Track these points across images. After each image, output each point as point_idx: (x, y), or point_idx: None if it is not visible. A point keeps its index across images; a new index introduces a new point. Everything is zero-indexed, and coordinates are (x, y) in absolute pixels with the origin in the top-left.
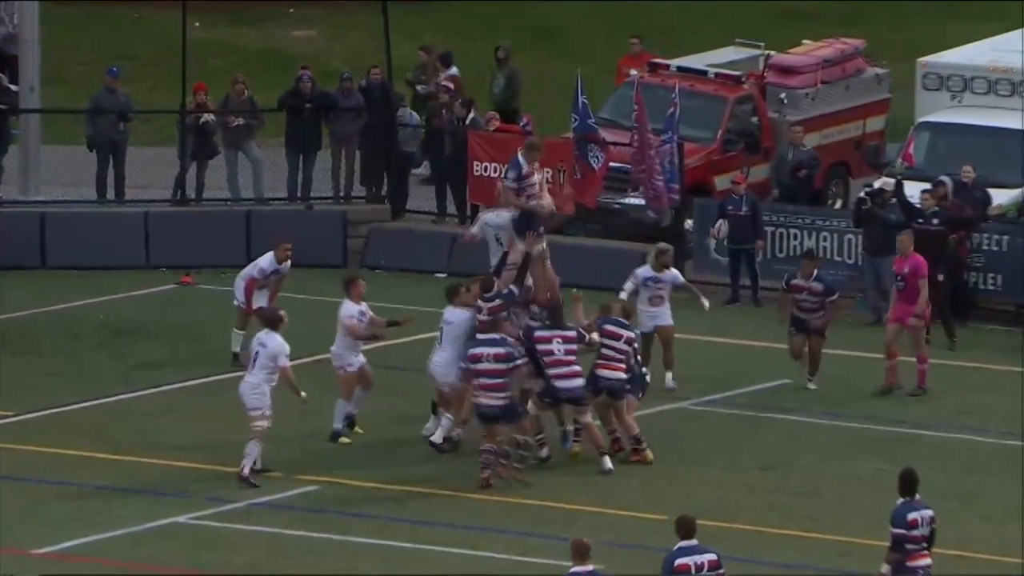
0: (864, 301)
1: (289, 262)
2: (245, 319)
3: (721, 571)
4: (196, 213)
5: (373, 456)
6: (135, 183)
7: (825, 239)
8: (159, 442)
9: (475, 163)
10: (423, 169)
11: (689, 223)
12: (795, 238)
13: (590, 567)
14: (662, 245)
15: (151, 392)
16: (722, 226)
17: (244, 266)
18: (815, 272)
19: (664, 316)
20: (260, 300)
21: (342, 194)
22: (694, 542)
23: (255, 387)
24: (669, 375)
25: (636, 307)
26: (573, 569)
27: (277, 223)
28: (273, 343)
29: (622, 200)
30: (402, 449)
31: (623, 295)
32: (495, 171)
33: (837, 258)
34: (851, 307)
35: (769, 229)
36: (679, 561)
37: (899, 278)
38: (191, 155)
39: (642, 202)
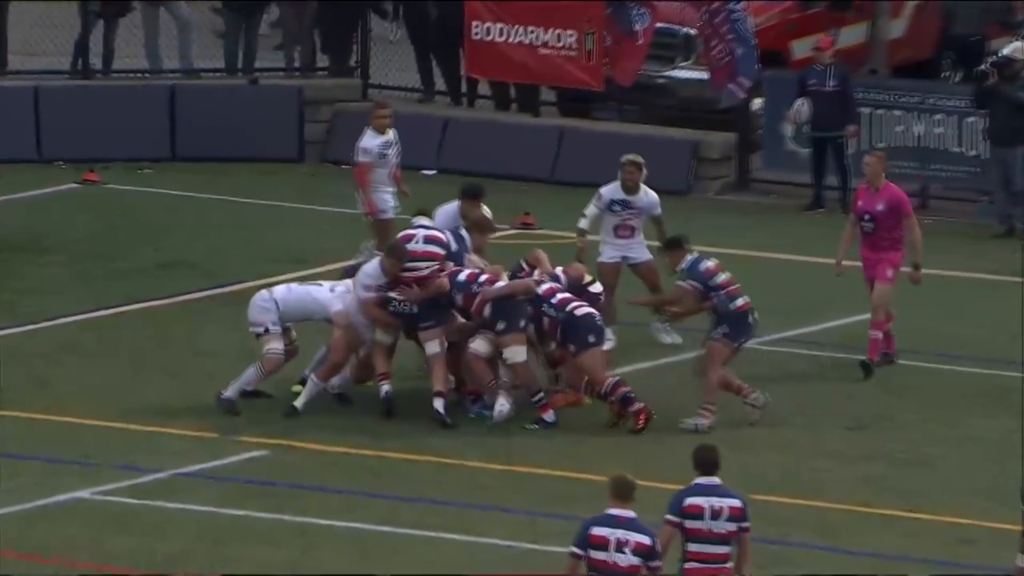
0: (989, 206)
1: (393, 131)
2: (382, 228)
3: (745, 524)
4: (103, 89)
5: (340, 414)
6: (21, 49)
7: (938, 124)
8: (56, 393)
9: (474, 24)
10: (395, 26)
11: (758, 103)
12: (899, 123)
13: (631, 513)
14: (631, 157)
15: (44, 326)
16: (802, 107)
17: (168, 158)
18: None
19: (638, 249)
20: (384, 193)
21: (297, 65)
22: (715, 480)
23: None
24: (659, 326)
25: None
26: (611, 511)
27: (211, 103)
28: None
29: (669, 73)
30: (376, 404)
31: (582, 222)
32: (501, 35)
33: (955, 149)
34: (974, 214)
35: (864, 111)
36: (690, 501)
37: None
38: (97, 12)
39: (697, 75)
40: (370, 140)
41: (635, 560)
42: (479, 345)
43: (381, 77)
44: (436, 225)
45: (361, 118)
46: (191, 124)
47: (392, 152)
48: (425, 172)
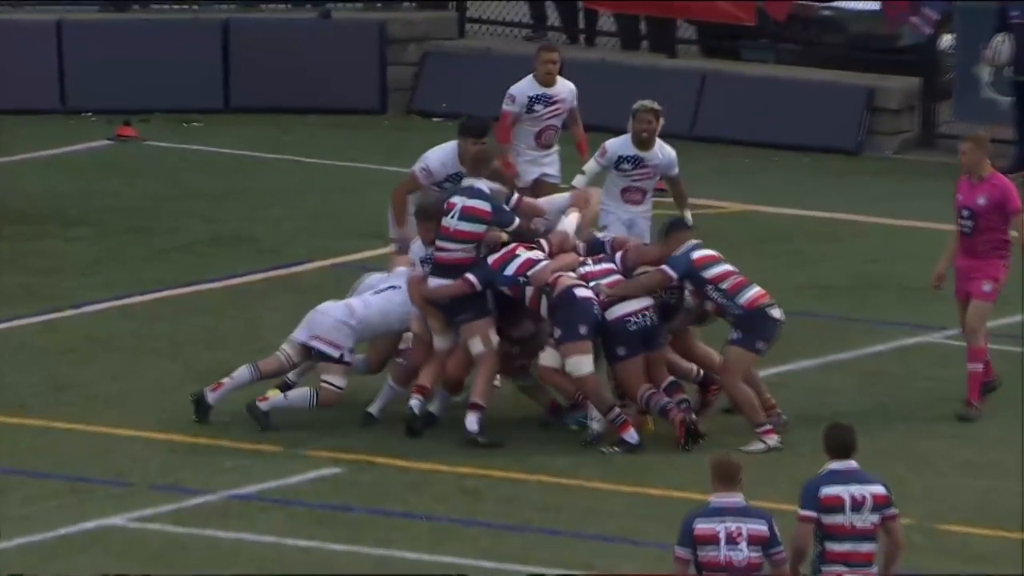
0: None
1: (567, 87)
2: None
3: (891, 511)
4: (141, 24)
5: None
6: None
7: None
8: (83, 396)
9: None
10: None
11: (947, 40)
12: None
13: (738, 498)
14: (646, 102)
15: (69, 315)
16: (1002, 45)
17: (220, 109)
18: None
19: (643, 223)
20: (527, 158)
21: None
22: (852, 464)
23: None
24: None
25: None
26: (714, 500)
27: (273, 41)
28: None
29: (836, 3)
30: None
31: (579, 180)
32: None
33: None
34: None
35: None
36: (827, 491)
37: None
38: None
39: (871, 6)
40: (523, 87)
41: (753, 553)
42: (548, 358)
43: (481, 9)
44: (482, 191)
45: (457, 60)
46: (249, 67)
47: (548, 111)
48: None
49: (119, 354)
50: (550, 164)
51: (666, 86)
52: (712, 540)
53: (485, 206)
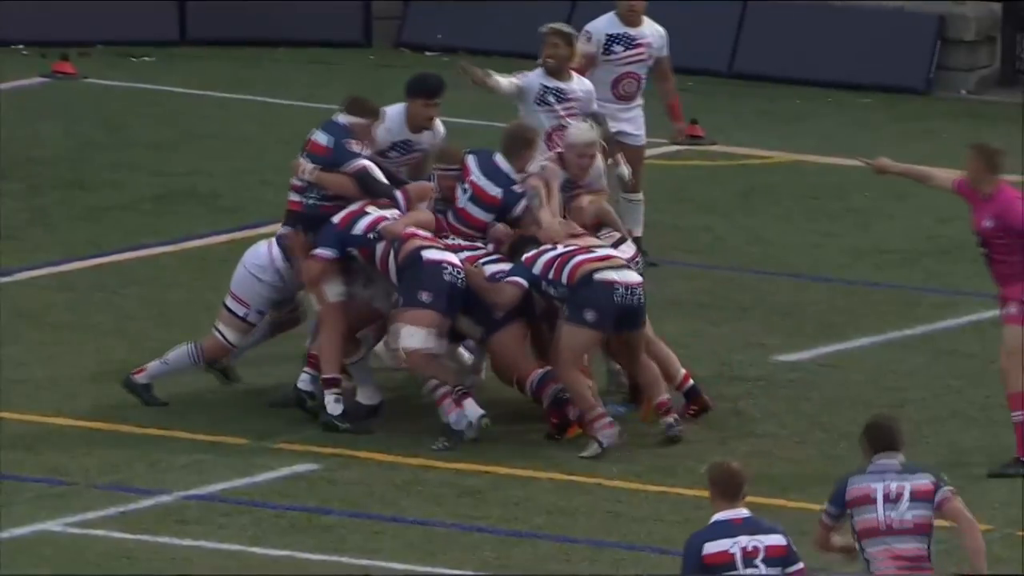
0: None
1: (655, 32)
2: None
3: (949, 492)
4: None
5: (415, 413)
6: None
7: None
8: (9, 380)
9: None
10: None
11: None
12: None
13: (744, 511)
14: (554, 25)
15: (8, 281)
16: None
17: (175, 41)
18: None
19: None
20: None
21: None
22: (895, 460)
23: None
24: None
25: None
26: (719, 516)
27: None
28: None
29: None
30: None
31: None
32: None
33: None
34: None
35: None
36: (858, 485)
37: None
38: None
39: None
40: (600, 24)
41: (773, 571)
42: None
43: None
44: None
45: None
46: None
47: (628, 55)
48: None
49: (52, 331)
50: (630, 121)
51: (699, 19)
52: (727, 563)
53: (323, 140)
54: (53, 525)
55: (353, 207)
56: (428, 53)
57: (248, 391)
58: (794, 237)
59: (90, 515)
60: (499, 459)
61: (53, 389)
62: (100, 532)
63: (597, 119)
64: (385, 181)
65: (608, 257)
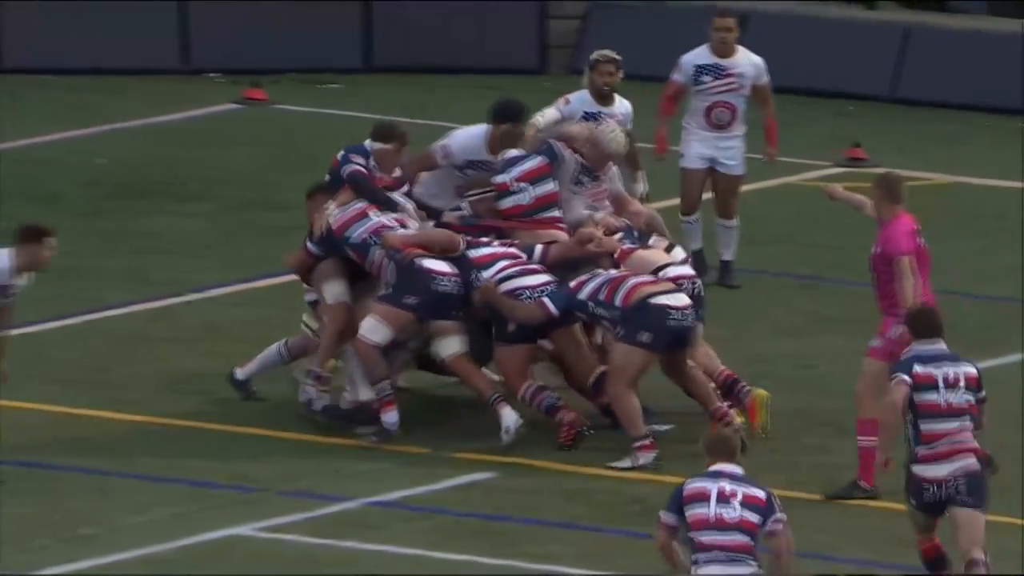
0: None
1: (749, 60)
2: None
3: (981, 395)
4: None
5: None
6: None
7: None
8: (200, 391)
9: None
10: None
11: None
12: None
13: (738, 469)
14: (606, 52)
15: (180, 302)
16: None
17: (362, 68)
18: None
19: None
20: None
21: None
22: (939, 346)
23: None
24: None
25: None
26: (713, 468)
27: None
28: None
29: None
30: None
31: (538, 120)
32: None
33: None
34: None
35: None
36: (921, 369)
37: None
38: None
39: None
40: (692, 55)
41: (747, 514)
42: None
43: None
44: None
45: (626, 12)
46: (394, 22)
47: (718, 85)
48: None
49: (238, 345)
50: (725, 150)
51: (862, 42)
52: (702, 497)
53: (339, 155)
54: (244, 530)
55: (354, 210)
56: None
57: (426, 401)
58: (952, 255)
59: (278, 520)
60: (665, 469)
61: (238, 401)
62: (288, 536)
63: (629, 136)
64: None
65: (659, 281)
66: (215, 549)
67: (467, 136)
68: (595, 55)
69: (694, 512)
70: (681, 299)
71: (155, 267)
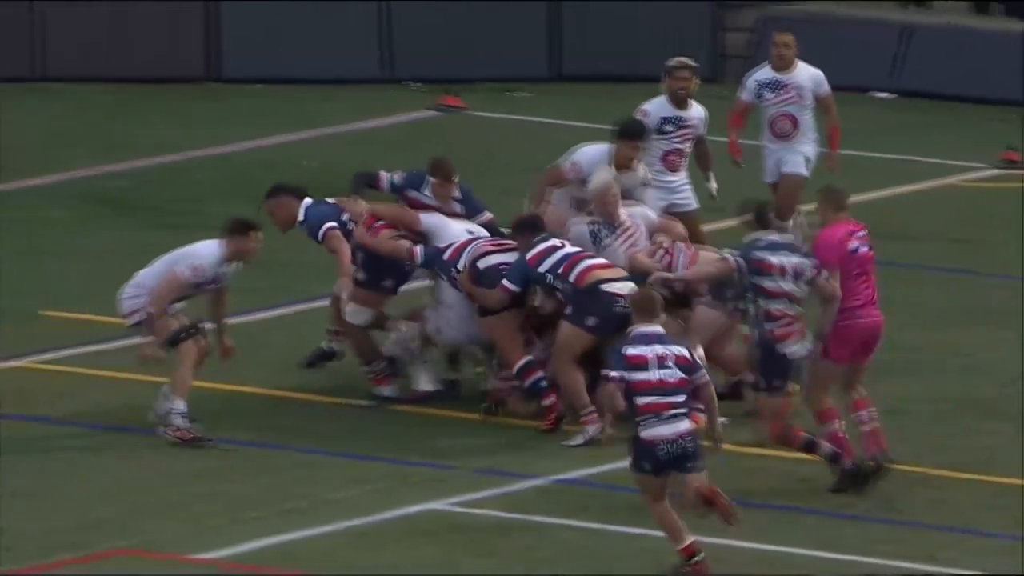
0: None
1: (807, 73)
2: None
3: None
4: None
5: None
6: None
7: None
8: (405, 376)
9: None
10: None
11: None
12: None
13: (659, 327)
14: (682, 59)
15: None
16: None
17: (549, 77)
18: None
19: (684, 191)
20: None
21: None
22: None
23: None
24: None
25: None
26: (640, 329)
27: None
28: None
29: None
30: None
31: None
32: None
33: None
34: None
35: None
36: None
37: None
38: None
39: None
40: (756, 73)
41: (682, 375)
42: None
43: None
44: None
45: (797, 25)
46: (579, 35)
47: (776, 99)
48: (877, 95)
49: None
50: (791, 153)
51: (1019, 53)
52: (642, 363)
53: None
54: (439, 504)
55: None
56: None
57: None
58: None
59: (471, 496)
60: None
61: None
62: (479, 511)
63: (700, 141)
64: None
65: (612, 266)
66: (413, 522)
67: (594, 152)
68: (671, 61)
69: (636, 377)
70: (630, 287)
71: None
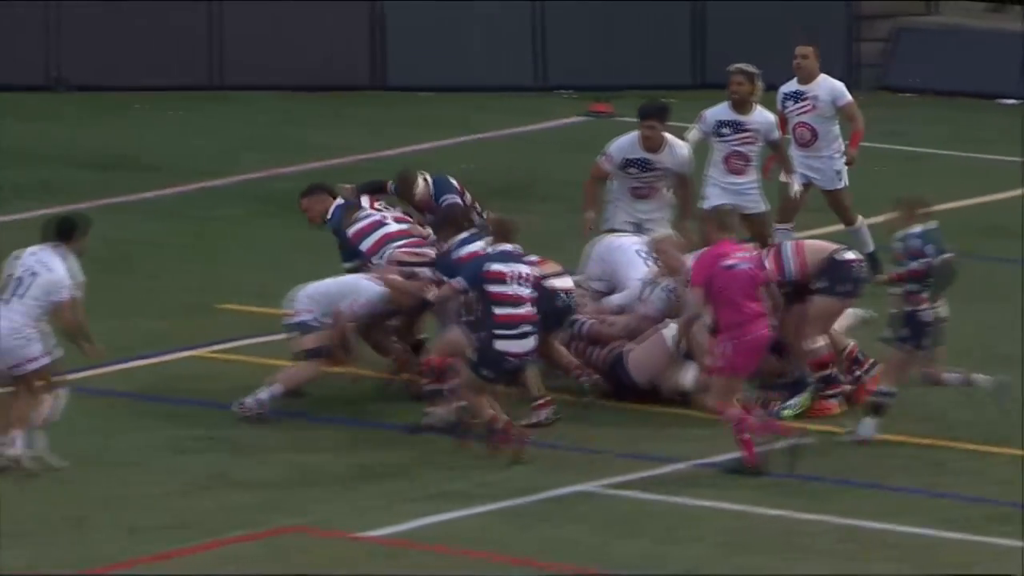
0: None
1: (823, 83)
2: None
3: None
4: (613, 5)
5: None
6: None
7: None
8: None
9: None
10: None
11: None
12: None
13: (518, 248)
14: (739, 64)
15: None
16: None
17: (693, 85)
18: None
19: (753, 195)
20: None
21: None
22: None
23: None
24: None
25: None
26: (501, 247)
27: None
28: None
29: None
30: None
31: (690, 137)
32: None
33: None
34: None
35: None
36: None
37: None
38: None
39: None
40: (783, 88)
41: (533, 293)
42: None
43: None
44: None
45: (927, 35)
46: (721, 45)
47: (797, 108)
48: (1003, 101)
49: None
50: (811, 166)
51: None
52: (501, 277)
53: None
54: (589, 486)
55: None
56: (906, 94)
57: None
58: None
59: (618, 478)
60: (959, 436)
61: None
62: (627, 493)
63: (775, 144)
64: None
65: (548, 262)
66: (563, 503)
67: (623, 140)
68: (729, 67)
69: (494, 288)
70: (567, 282)
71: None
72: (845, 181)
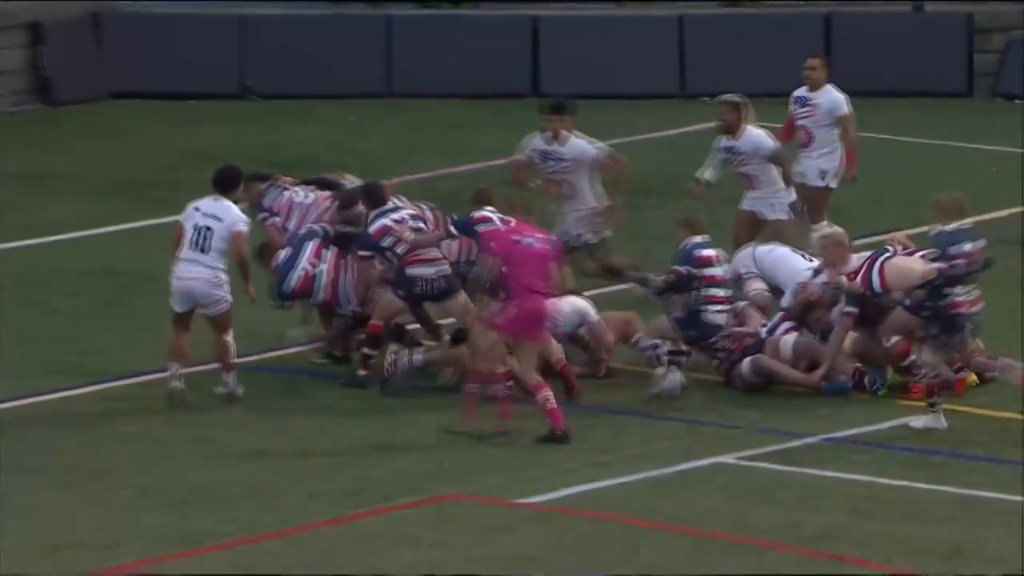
0: None
1: (828, 93)
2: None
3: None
4: (752, 17)
5: None
6: None
7: None
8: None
9: None
10: None
11: None
12: None
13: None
14: (725, 96)
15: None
16: None
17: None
18: None
19: (763, 203)
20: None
21: None
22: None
23: None
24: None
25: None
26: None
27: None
28: None
29: None
30: None
31: (703, 173)
32: None
33: None
34: None
35: None
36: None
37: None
38: None
39: None
40: (797, 90)
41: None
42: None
43: None
44: None
45: None
46: (847, 53)
47: (802, 112)
48: None
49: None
50: (806, 165)
51: None
52: (386, 232)
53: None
54: (726, 458)
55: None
56: (1017, 101)
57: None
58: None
59: (753, 452)
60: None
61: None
62: (761, 464)
63: (776, 158)
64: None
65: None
66: (703, 473)
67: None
68: (716, 98)
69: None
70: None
71: (651, 252)
72: (829, 183)
